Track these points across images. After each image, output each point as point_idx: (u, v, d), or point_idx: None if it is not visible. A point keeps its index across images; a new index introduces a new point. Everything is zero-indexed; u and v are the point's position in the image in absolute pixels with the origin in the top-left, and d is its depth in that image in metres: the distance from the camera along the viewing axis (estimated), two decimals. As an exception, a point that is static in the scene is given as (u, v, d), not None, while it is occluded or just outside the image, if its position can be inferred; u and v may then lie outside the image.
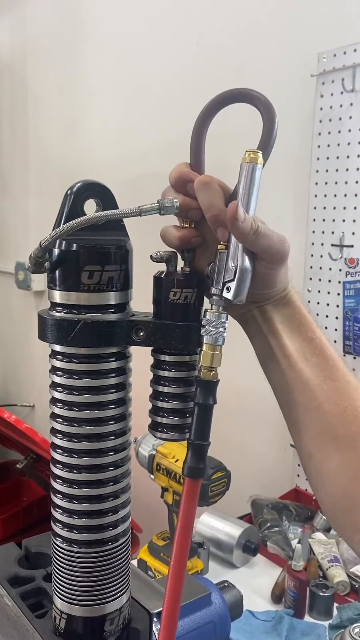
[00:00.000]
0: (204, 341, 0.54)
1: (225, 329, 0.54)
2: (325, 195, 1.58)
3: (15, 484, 2.58)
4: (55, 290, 0.55)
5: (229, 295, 0.53)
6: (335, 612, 1.24)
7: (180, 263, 0.58)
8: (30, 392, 3.18)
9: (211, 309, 0.54)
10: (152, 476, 1.35)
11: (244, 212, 0.52)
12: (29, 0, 2.85)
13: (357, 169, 1.51)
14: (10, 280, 3.08)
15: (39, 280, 2.89)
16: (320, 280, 1.62)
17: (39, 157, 2.94)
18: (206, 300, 0.57)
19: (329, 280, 1.60)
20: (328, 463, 0.58)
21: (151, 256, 0.57)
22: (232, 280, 0.53)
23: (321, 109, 1.57)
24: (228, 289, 0.53)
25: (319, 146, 1.59)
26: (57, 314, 0.55)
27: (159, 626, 0.66)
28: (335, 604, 1.26)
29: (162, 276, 0.57)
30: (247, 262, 0.54)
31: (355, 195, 1.52)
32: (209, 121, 0.58)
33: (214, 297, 0.54)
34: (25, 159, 3.03)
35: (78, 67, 2.58)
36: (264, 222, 0.57)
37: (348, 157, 1.52)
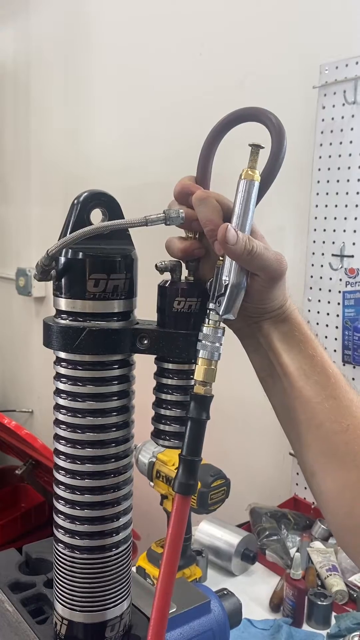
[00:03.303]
0: (200, 355, 0.54)
1: (221, 344, 0.54)
2: (326, 206, 1.60)
3: (14, 490, 2.58)
4: (61, 297, 0.56)
5: (218, 310, 0.54)
6: (333, 621, 1.24)
7: (185, 272, 0.59)
8: (29, 398, 3.18)
9: (207, 323, 0.54)
10: (151, 483, 1.36)
11: (236, 233, 0.52)
12: (33, 9, 2.88)
13: (358, 180, 1.52)
14: (11, 286, 3.08)
15: (40, 287, 2.91)
16: (320, 289, 1.63)
17: (41, 165, 2.96)
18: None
19: (329, 290, 1.61)
20: (331, 482, 0.58)
21: (156, 265, 0.57)
22: (223, 295, 0.54)
23: (323, 120, 1.58)
24: (219, 303, 0.54)
25: (320, 157, 1.60)
26: (63, 322, 0.56)
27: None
28: (334, 613, 1.26)
29: (167, 285, 0.57)
30: (239, 279, 0.54)
31: (356, 205, 1.53)
32: (221, 138, 0.58)
33: (210, 311, 0.55)
34: (27, 166, 3.05)
35: (81, 76, 2.60)
36: (263, 237, 0.57)
37: (349, 168, 1.54)
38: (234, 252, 0.53)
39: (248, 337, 0.61)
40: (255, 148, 0.54)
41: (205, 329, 0.54)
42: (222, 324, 0.55)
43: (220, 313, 0.54)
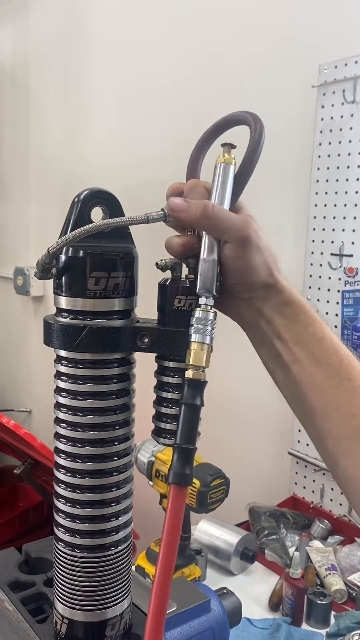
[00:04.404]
0: (192, 340, 0.53)
1: (213, 328, 0.53)
2: (325, 205, 1.60)
3: (12, 490, 2.58)
4: (62, 296, 0.56)
5: (197, 288, 0.54)
6: (332, 620, 1.24)
7: (185, 271, 0.59)
8: (28, 398, 3.18)
9: (200, 307, 0.54)
10: (150, 483, 1.36)
11: (183, 201, 0.54)
12: (32, 8, 2.87)
13: (357, 179, 1.52)
14: (9, 285, 3.08)
15: (38, 286, 2.90)
16: (319, 289, 1.63)
17: (39, 164, 2.96)
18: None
19: (328, 289, 1.61)
20: (357, 467, 0.56)
21: (156, 263, 0.57)
22: (198, 272, 0.54)
23: (322, 119, 1.58)
24: (196, 281, 0.54)
25: (319, 156, 1.60)
26: (63, 320, 0.56)
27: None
28: (333, 612, 1.27)
29: (167, 283, 0.57)
30: (210, 251, 0.55)
31: (355, 205, 1.53)
32: (209, 144, 0.60)
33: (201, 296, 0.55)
34: (25, 165, 3.05)
35: (80, 75, 2.60)
36: (252, 217, 0.57)
37: (348, 167, 1.54)
38: (189, 218, 0.54)
39: (251, 326, 0.60)
40: (227, 147, 0.56)
41: (196, 312, 0.53)
42: (213, 309, 0.54)
43: (197, 290, 0.54)
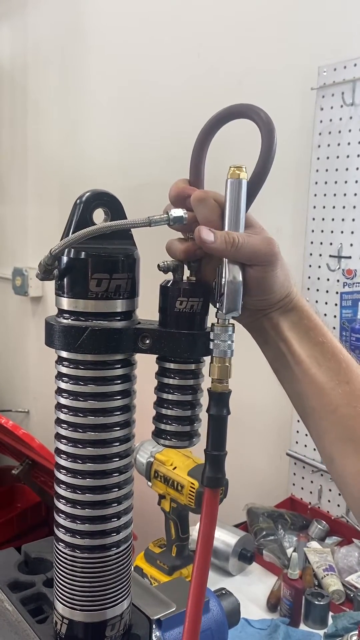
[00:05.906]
0: (214, 354, 0.55)
1: (233, 342, 0.55)
2: (324, 207, 1.60)
3: (9, 490, 2.57)
4: (64, 297, 0.56)
5: (221, 308, 0.54)
6: (330, 621, 1.25)
7: (187, 272, 0.59)
8: (25, 398, 3.17)
9: (217, 322, 0.55)
10: (149, 483, 1.36)
11: (210, 232, 0.54)
12: (30, 8, 2.88)
13: (356, 182, 1.53)
14: (7, 285, 3.08)
15: (36, 286, 2.90)
16: (318, 290, 1.64)
17: (37, 165, 2.96)
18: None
19: (327, 291, 1.62)
20: (348, 466, 0.58)
21: (158, 265, 0.57)
22: (223, 293, 0.54)
23: (321, 121, 1.59)
24: (221, 302, 0.55)
25: (318, 158, 1.60)
26: (65, 321, 0.56)
27: (157, 633, 0.66)
28: (331, 613, 1.27)
29: (169, 285, 0.57)
30: (234, 274, 0.54)
31: (354, 207, 1.54)
32: (211, 137, 0.59)
33: (218, 311, 0.56)
34: (24, 166, 3.05)
35: (78, 76, 2.60)
36: (263, 228, 0.57)
37: (347, 169, 1.54)
38: (217, 250, 0.54)
39: (258, 330, 0.61)
40: (238, 166, 0.55)
41: (216, 329, 0.55)
42: (231, 321, 0.55)
43: (223, 311, 0.55)
